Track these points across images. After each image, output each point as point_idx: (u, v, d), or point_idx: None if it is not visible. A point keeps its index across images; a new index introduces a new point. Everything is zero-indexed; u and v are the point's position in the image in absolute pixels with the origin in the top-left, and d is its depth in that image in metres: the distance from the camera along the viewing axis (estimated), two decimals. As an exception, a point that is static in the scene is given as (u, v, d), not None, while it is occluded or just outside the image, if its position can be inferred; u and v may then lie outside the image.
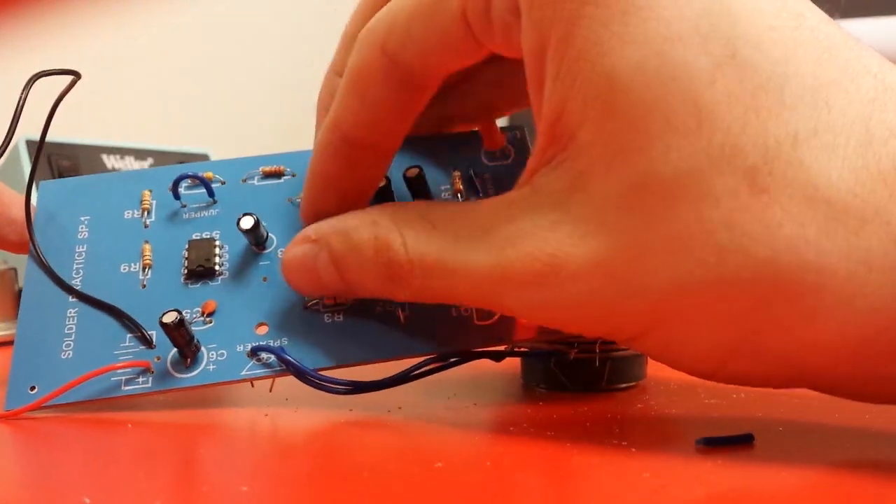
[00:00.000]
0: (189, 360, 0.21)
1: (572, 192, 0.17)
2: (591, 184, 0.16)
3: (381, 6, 0.20)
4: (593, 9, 0.16)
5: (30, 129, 0.24)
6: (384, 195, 0.23)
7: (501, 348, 0.22)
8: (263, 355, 0.21)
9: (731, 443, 0.17)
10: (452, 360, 0.21)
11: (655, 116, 0.15)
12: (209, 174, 0.24)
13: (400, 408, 0.21)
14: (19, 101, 0.24)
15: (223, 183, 0.25)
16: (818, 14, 0.16)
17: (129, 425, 0.20)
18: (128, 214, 0.24)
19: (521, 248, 0.17)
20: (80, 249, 0.24)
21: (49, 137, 0.24)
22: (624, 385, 0.23)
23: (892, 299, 0.14)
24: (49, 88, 0.24)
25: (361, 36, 0.20)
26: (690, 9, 0.16)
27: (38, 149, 0.24)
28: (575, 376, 0.22)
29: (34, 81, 0.24)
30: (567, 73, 0.16)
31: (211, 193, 0.24)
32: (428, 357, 0.21)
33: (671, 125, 0.15)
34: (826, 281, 0.15)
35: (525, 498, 0.15)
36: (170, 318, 0.21)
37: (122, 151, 0.54)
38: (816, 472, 0.15)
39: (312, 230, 0.21)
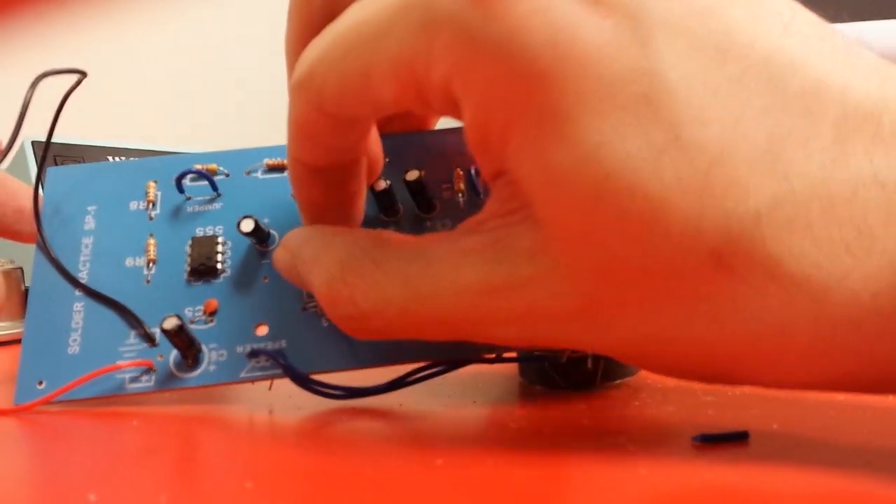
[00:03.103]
0: (190, 361, 0.22)
1: (539, 255, 0.16)
2: (558, 255, 0.16)
3: (315, 20, 0.20)
4: (524, 108, 0.15)
5: (35, 129, 0.25)
6: (386, 200, 0.23)
7: (493, 355, 0.22)
8: (262, 357, 0.21)
9: (726, 440, 0.17)
10: (444, 367, 0.21)
11: (606, 215, 0.15)
12: (213, 166, 0.25)
13: (401, 405, 0.21)
14: (24, 101, 0.24)
15: (227, 175, 0.25)
16: (769, 40, 0.15)
17: (135, 421, 0.21)
18: (133, 206, 0.24)
19: (498, 298, 0.17)
20: (87, 241, 0.24)
21: (55, 138, 0.24)
22: (619, 381, 0.23)
23: (853, 357, 0.15)
24: (55, 90, 0.24)
25: (295, 87, 0.19)
26: (625, 97, 0.15)
27: (45, 147, 0.24)
28: (569, 376, 0.22)
29: (39, 81, 0.24)
30: (514, 162, 0.16)
31: (214, 188, 0.24)
32: (422, 364, 0.21)
33: (625, 221, 0.15)
34: (790, 344, 0.15)
35: (524, 493, 0.15)
36: (170, 324, 0.21)
37: (129, 153, 0.54)
38: (811, 469, 0.15)
39: (287, 240, 0.21)
